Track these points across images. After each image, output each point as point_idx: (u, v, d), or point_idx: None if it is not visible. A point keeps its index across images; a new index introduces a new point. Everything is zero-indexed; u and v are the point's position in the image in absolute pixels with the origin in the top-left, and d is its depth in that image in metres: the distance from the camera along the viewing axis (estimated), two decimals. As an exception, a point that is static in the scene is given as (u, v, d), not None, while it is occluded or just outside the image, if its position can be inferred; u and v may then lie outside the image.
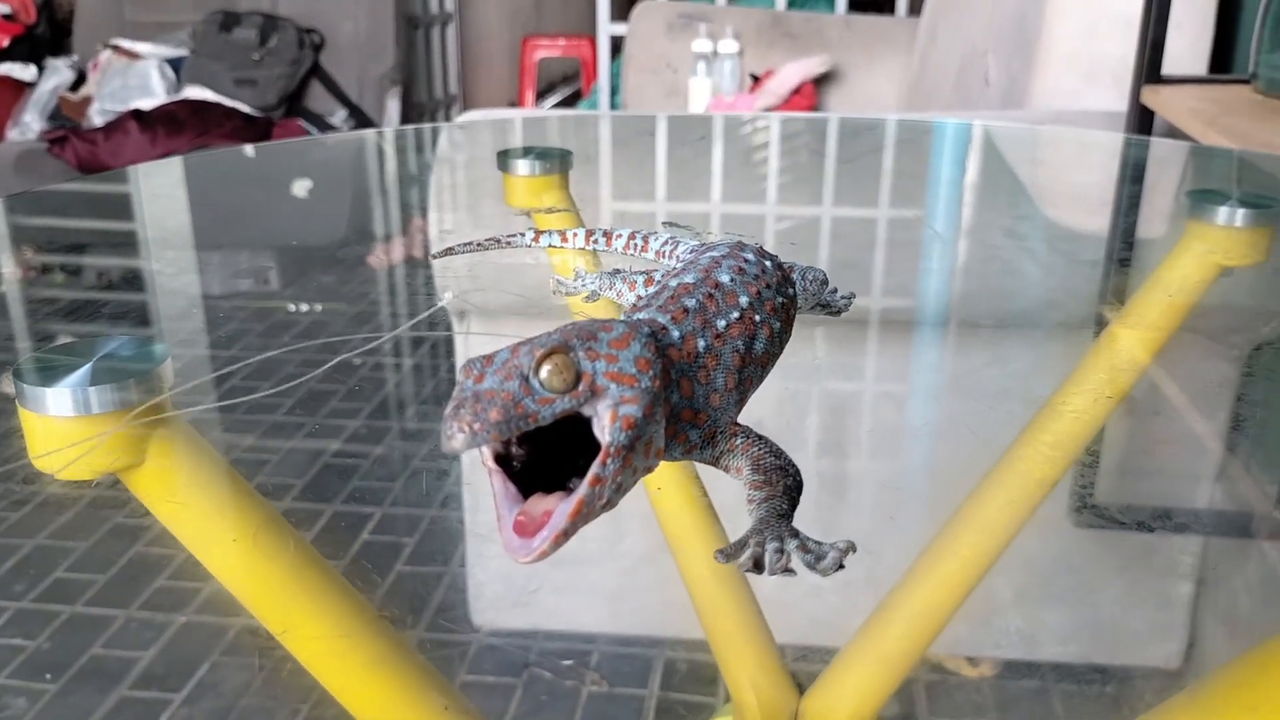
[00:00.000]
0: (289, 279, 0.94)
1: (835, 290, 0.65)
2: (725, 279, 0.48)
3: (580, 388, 0.37)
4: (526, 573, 0.46)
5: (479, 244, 0.82)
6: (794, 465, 0.43)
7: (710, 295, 0.47)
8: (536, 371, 0.36)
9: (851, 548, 0.39)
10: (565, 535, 0.36)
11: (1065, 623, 0.44)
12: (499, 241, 0.82)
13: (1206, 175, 1.25)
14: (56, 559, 0.52)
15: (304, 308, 0.85)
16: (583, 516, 0.36)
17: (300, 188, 1.21)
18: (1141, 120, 1.57)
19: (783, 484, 0.42)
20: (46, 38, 3.08)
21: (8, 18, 2.98)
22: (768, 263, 0.53)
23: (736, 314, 0.47)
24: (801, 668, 0.43)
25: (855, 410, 0.66)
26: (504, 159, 1.05)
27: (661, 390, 0.40)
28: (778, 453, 0.43)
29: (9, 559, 0.52)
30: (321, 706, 0.41)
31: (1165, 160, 1.28)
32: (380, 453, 0.61)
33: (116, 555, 0.52)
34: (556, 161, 1.05)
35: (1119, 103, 1.66)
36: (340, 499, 0.56)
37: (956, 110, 1.97)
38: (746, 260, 0.51)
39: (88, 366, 0.56)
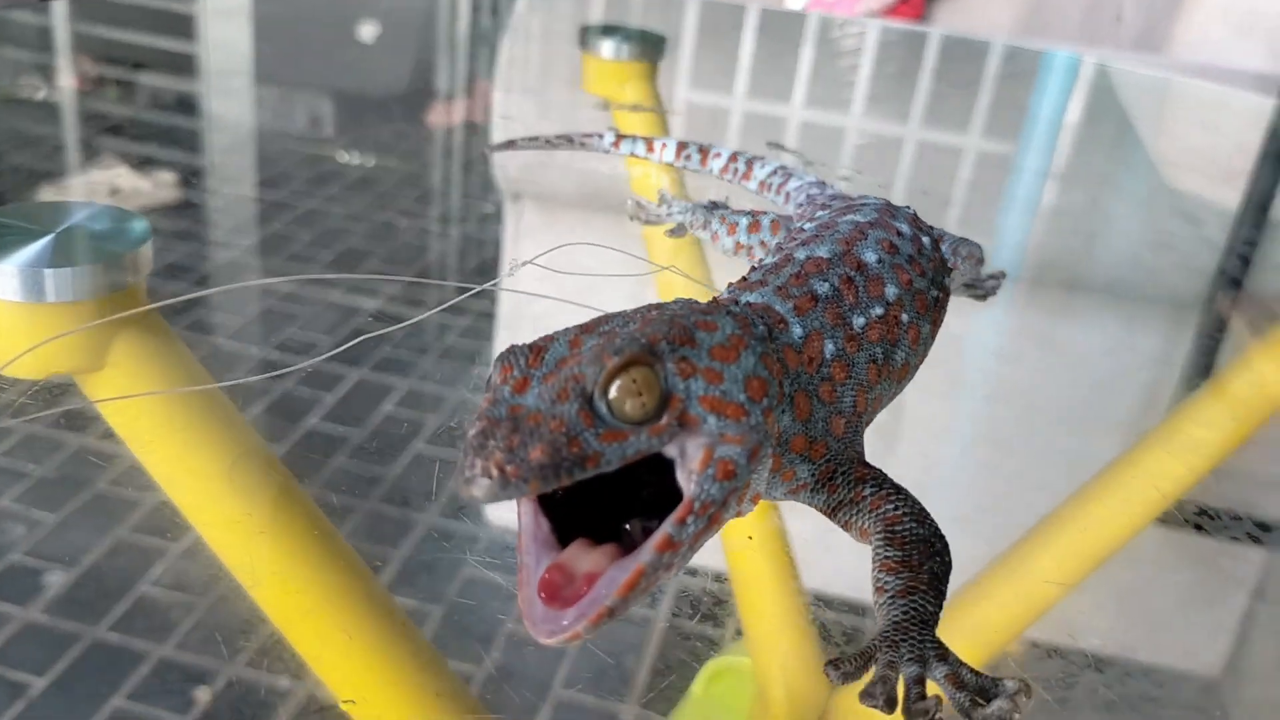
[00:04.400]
0: (343, 126, 0.93)
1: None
2: (871, 258, 0.37)
3: (665, 419, 0.27)
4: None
5: (547, 140, 0.71)
6: (942, 537, 0.32)
7: (849, 279, 0.35)
8: (605, 390, 0.26)
9: (1025, 689, 0.27)
10: (611, 614, 0.26)
11: (1112, 615, 0.42)
12: (571, 140, 0.70)
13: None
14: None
15: (355, 159, 0.84)
16: (638, 591, 0.27)
17: (367, 32, 1.19)
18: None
19: (928, 568, 0.30)
20: None
21: None
22: (925, 239, 0.40)
23: (880, 310, 0.35)
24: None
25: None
26: (588, 36, 0.92)
27: (774, 422, 0.30)
28: (921, 516, 0.32)
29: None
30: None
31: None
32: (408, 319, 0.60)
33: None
34: (647, 47, 0.92)
35: (1273, 63, 1.56)
36: (369, 365, 0.55)
37: (1080, 45, 1.88)
38: (900, 234, 0.39)
39: (48, 239, 0.45)
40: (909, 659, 0.28)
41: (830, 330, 0.34)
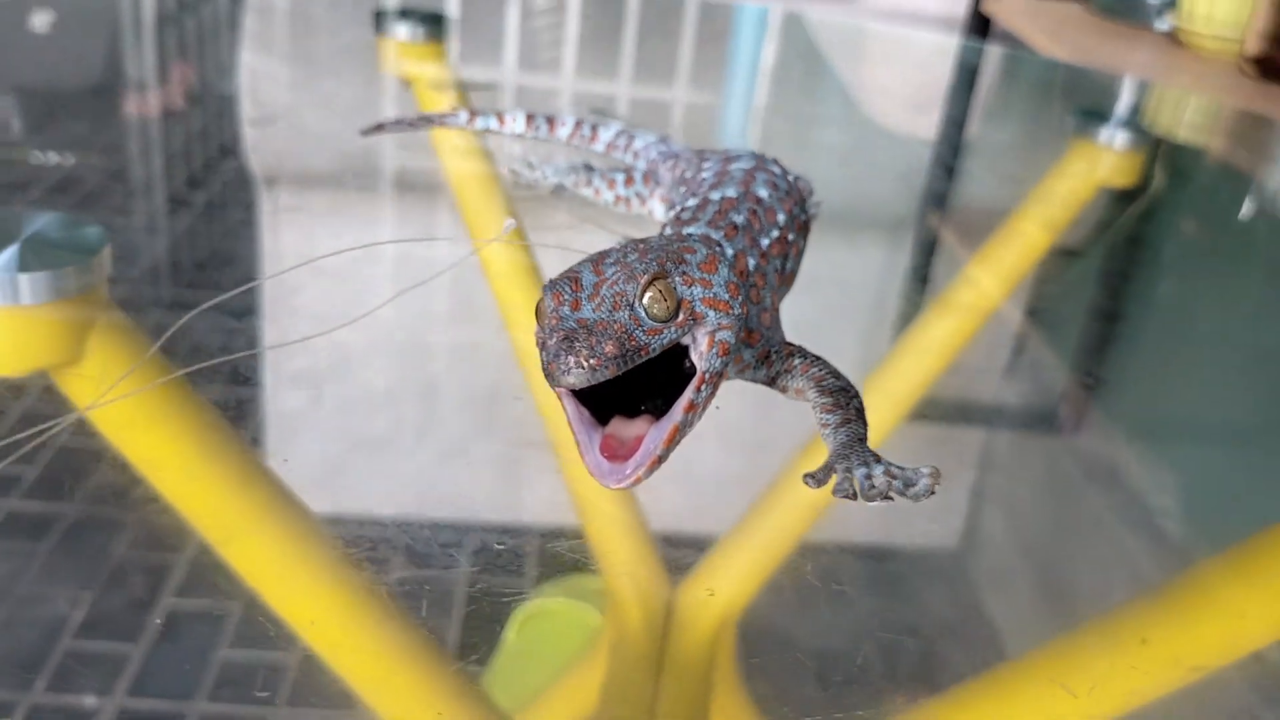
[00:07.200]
0: (32, 125, 0.87)
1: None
2: (764, 194, 0.49)
3: (682, 316, 0.37)
4: (338, 454, 0.48)
5: (410, 122, 0.79)
6: (853, 386, 0.44)
7: (754, 211, 0.48)
8: (641, 299, 0.37)
9: (937, 474, 0.39)
10: (659, 461, 0.37)
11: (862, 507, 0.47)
12: (431, 120, 0.79)
13: (1048, 88, 1.28)
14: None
15: (52, 159, 0.79)
16: (676, 441, 0.37)
17: (40, 21, 1.10)
18: (978, 28, 1.63)
19: (852, 406, 0.42)
20: None
21: None
22: (790, 177, 0.54)
23: (776, 232, 0.48)
24: (675, 557, 0.43)
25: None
26: (383, 20, 1.04)
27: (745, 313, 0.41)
28: (837, 373, 0.44)
29: None
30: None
31: (1000, 70, 1.31)
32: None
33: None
34: (438, 28, 1.04)
35: (952, 5, 1.69)
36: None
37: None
38: (776, 174, 0.52)
39: (14, 248, 0.52)
40: (858, 464, 0.39)
41: (749, 249, 0.46)
